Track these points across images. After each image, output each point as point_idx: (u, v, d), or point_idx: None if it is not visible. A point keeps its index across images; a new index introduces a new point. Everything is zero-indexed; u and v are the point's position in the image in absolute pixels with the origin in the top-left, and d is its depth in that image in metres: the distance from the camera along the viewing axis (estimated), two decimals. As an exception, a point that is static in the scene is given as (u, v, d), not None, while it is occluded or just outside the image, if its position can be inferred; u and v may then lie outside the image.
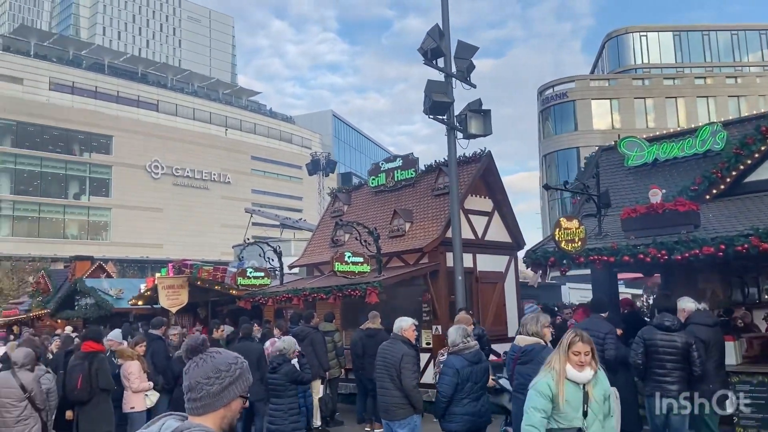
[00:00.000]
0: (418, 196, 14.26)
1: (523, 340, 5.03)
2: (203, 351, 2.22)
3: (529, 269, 8.98)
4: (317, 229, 16.84)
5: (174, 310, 15.50)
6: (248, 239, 15.08)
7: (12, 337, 18.07)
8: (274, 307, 13.85)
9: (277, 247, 14.32)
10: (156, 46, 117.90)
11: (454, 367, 6.00)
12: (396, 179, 14.90)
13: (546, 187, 13.04)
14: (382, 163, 15.54)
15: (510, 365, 5.20)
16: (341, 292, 11.74)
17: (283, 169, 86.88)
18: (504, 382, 6.48)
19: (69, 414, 7.25)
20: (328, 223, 16.09)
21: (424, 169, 14.70)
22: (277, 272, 14.24)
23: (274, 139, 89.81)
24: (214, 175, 78.19)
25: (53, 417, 7.01)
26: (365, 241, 12.23)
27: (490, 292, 13.39)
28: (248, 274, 13.77)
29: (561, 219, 7.89)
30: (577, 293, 16.81)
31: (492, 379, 6.36)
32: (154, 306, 18.27)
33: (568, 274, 9.62)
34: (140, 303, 18.16)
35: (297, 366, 7.42)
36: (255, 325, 11.64)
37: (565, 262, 8.10)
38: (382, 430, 10.35)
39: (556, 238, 7.66)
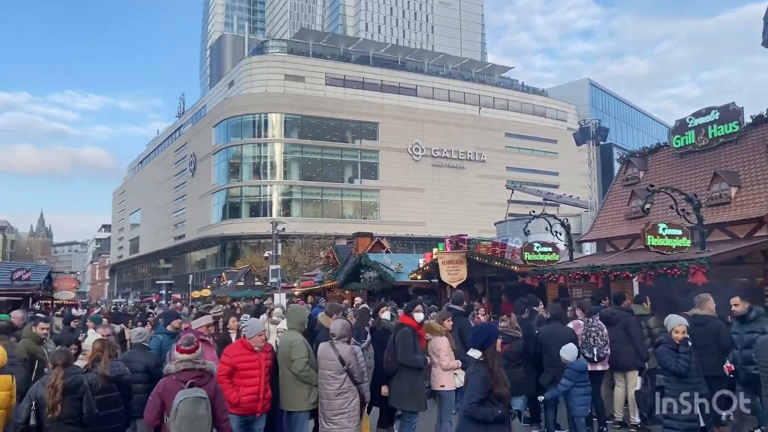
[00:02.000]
0: (745, 154, 11.54)
1: None
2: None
3: None
4: (606, 199, 14.98)
5: (455, 284, 15.24)
6: (533, 213, 13.93)
7: (310, 306, 19.79)
8: (567, 285, 12.57)
9: (565, 220, 12.95)
10: (412, 35, 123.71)
11: None
12: (711, 136, 12.32)
13: None
14: (690, 119, 13.00)
15: None
16: (653, 270, 9.92)
17: (537, 144, 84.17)
18: None
19: (384, 389, 6.99)
20: (619, 193, 14.16)
21: (750, 121, 11.86)
22: (566, 246, 12.88)
23: (527, 114, 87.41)
24: (470, 154, 79.12)
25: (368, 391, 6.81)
26: (682, 210, 10.17)
27: None
28: (535, 249, 12.70)
29: None
30: None
31: None
32: (432, 280, 18.45)
33: None
34: (419, 277, 18.44)
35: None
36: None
37: None
38: None
39: None
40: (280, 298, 23.04)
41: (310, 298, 26.79)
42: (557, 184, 73.93)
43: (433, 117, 77.45)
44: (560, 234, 12.91)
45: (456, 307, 8.38)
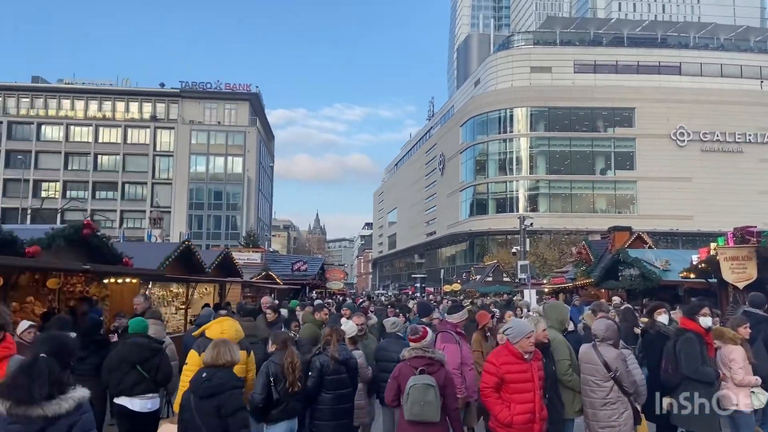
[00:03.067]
0: None
1: None
2: None
3: None
4: None
5: (741, 285, 12.92)
6: None
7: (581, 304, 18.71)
8: None
9: None
10: (672, 8, 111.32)
11: None
12: None
13: None
14: None
15: None
16: None
17: None
18: None
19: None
20: None
21: None
22: None
23: (829, 83, 72.07)
24: (749, 136, 68.08)
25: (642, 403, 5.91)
26: None
27: None
28: None
29: None
30: None
31: None
32: (710, 280, 16.03)
33: None
34: (692, 276, 16.11)
35: None
36: None
37: None
38: None
39: None
40: (529, 295, 22.34)
41: (561, 296, 25.57)
42: None
43: (701, 96, 68.32)
44: None
45: (757, 311, 6.88)
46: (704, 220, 62.25)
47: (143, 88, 69.19)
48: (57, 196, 61.68)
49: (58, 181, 65.57)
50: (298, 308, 11.56)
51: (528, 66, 73.16)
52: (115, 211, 65.16)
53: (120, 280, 10.18)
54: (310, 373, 5.48)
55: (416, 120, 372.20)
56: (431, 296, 47.18)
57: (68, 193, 64.12)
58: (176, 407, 5.30)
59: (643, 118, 67.58)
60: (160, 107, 68.78)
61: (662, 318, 6.73)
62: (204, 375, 4.34)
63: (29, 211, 51.52)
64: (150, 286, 12.66)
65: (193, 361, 5.48)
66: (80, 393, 3.13)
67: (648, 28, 77.71)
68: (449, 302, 16.36)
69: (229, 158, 67.09)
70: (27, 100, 67.74)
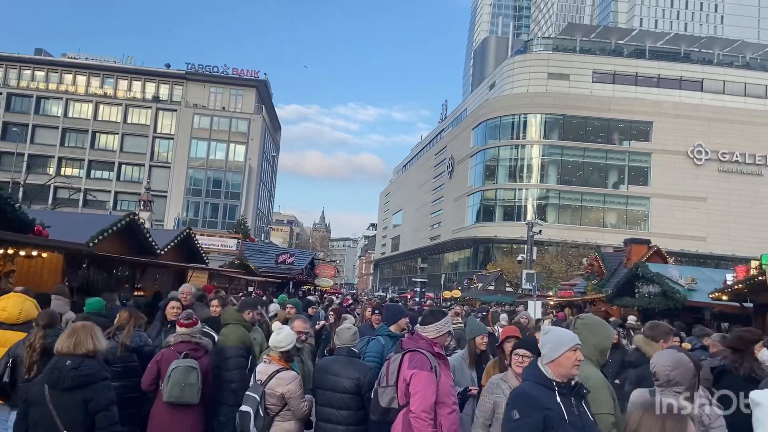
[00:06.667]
0: None
1: None
2: None
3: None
4: None
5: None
6: None
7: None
8: None
9: None
10: (696, 27, 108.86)
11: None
12: None
13: None
14: None
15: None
16: None
17: None
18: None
19: None
20: None
21: None
22: None
23: None
24: (771, 158, 65.60)
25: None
26: None
27: None
28: None
29: None
30: None
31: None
32: (745, 304, 13.89)
33: None
34: (724, 298, 13.97)
35: None
36: None
37: None
38: None
39: None
40: (534, 306, 20.18)
41: (568, 310, 23.48)
42: None
43: (722, 115, 65.88)
44: None
45: None
46: (719, 242, 59.99)
47: (147, 67, 67.36)
48: (51, 173, 59.85)
49: (53, 156, 63.77)
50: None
51: (545, 72, 70.92)
52: (109, 191, 63.30)
53: (24, 253, 8.10)
54: None
55: (429, 123, 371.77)
56: (429, 301, 45.04)
57: (63, 170, 62.32)
58: None
59: (661, 133, 65.23)
60: (164, 89, 66.90)
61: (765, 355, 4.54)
62: (68, 363, 3.76)
63: (21, 186, 49.69)
64: (84, 265, 10.57)
65: None
66: None
67: (671, 41, 75.36)
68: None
69: (231, 145, 65.10)
70: (28, 72, 66.01)
